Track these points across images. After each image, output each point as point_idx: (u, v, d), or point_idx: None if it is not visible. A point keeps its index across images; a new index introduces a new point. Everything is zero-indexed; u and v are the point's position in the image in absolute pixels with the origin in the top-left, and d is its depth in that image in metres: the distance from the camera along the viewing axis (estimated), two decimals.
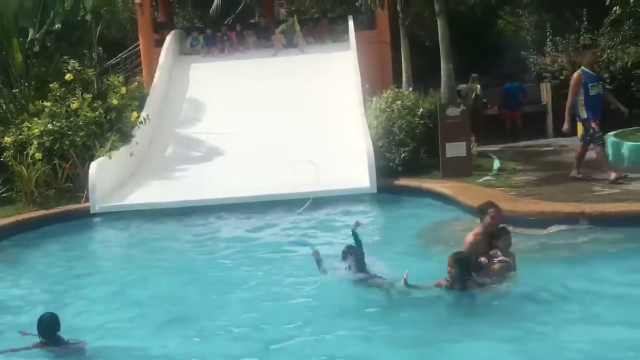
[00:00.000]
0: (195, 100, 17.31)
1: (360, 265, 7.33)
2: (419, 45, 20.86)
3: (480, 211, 7.44)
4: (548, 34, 19.30)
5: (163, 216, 11.96)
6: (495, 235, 7.21)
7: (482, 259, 7.08)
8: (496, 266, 7.08)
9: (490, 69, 22.69)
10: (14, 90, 15.68)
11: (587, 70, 11.34)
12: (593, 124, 11.16)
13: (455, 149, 12.84)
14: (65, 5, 17.26)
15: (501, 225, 7.34)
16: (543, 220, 9.06)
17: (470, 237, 7.29)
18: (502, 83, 20.16)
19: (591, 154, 11.54)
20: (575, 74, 11.39)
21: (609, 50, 18.23)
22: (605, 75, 18.00)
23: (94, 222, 12.20)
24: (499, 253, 7.13)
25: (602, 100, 11.42)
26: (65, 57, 15.54)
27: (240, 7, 32.37)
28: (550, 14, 23.32)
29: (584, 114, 11.25)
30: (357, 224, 7.81)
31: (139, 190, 13.32)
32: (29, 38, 15.99)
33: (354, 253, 7.40)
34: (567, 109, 11.42)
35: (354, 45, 17.52)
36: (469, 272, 6.77)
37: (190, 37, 19.93)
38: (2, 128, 14.59)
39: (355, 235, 7.63)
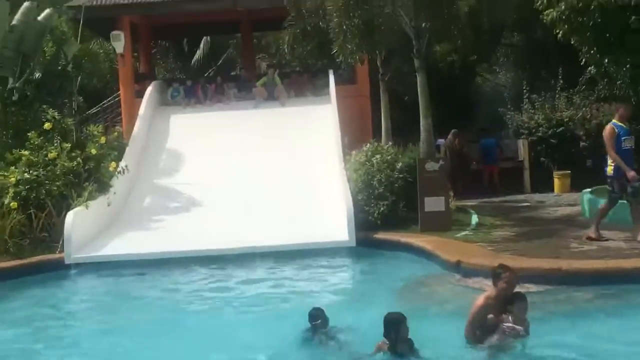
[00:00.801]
0: (174, 151, 17.31)
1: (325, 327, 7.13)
2: (399, 100, 21.14)
3: (494, 274, 7.03)
4: (525, 91, 19.63)
5: (139, 267, 11.79)
6: (509, 300, 6.83)
7: (490, 317, 6.75)
8: (505, 332, 6.75)
9: (468, 124, 23.00)
10: None
11: (619, 123, 10.79)
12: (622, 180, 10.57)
13: (434, 204, 12.87)
14: (47, 54, 17.36)
15: (517, 291, 6.96)
16: (522, 277, 9.02)
17: (480, 300, 6.92)
18: (479, 138, 20.41)
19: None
20: (608, 127, 10.82)
21: (584, 109, 18.59)
22: (581, 133, 18.38)
23: (68, 273, 11.98)
24: (510, 319, 6.78)
25: (633, 155, 10.86)
26: (44, 106, 15.49)
27: (222, 59, 32.74)
28: (526, 71, 23.81)
29: (611, 171, 10.68)
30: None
31: (115, 241, 13.14)
32: (8, 87, 15.96)
33: (322, 317, 7.25)
34: (615, 161, 10.55)
35: (334, 99, 17.70)
36: (402, 335, 6.43)
37: (171, 87, 20.02)
38: None
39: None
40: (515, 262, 9.38)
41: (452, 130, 19.00)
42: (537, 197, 17.41)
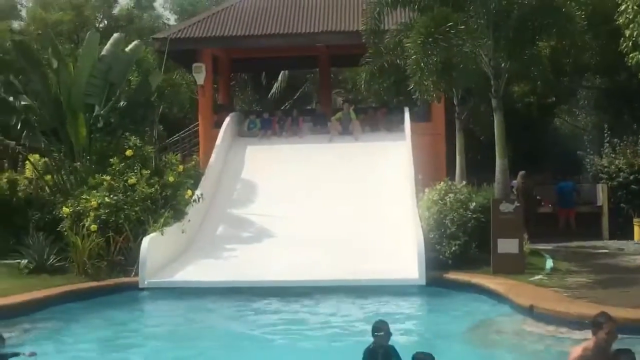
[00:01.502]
0: (249, 181, 17.57)
1: None
2: (474, 139, 20.93)
3: (594, 324, 6.44)
4: (606, 134, 19.17)
5: (210, 295, 11.98)
6: (614, 357, 6.24)
7: None
8: None
9: (545, 166, 22.59)
10: (75, 164, 16.17)
11: None
12: None
13: (507, 245, 12.65)
14: (132, 84, 17.96)
15: (625, 348, 6.32)
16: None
17: (578, 351, 6.37)
18: (556, 181, 20.01)
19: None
20: None
21: None
22: None
23: (142, 296, 12.30)
24: None
25: None
26: (127, 134, 16.02)
27: (299, 93, 33.18)
28: (608, 115, 23.27)
29: None
30: None
31: (187, 268, 13.41)
32: (94, 114, 16.57)
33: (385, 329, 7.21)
34: None
35: (409, 135, 17.69)
36: None
37: (248, 119, 20.39)
38: (61, 199, 15.01)
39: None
40: (592, 310, 9.11)
41: (520, 172, 18.70)
42: (616, 244, 16.90)
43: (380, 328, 7.21)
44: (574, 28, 13.92)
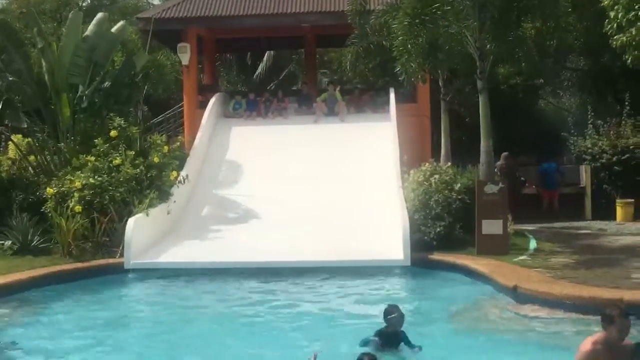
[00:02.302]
0: (234, 162, 17.51)
1: None
2: (459, 121, 20.98)
3: (604, 317, 5.87)
4: (589, 116, 19.25)
5: (195, 275, 11.96)
6: (634, 351, 5.74)
7: None
8: None
9: (529, 147, 22.67)
10: (59, 144, 16.04)
11: None
12: None
13: (491, 227, 12.69)
14: (116, 65, 17.79)
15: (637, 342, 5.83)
16: (581, 306, 8.83)
17: (587, 345, 5.84)
18: (540, 163, 20.08)
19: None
20: None
21: None
22: None
23: (127, 278, 12.25)
24: None
25: None
26: (111, 114, 15.87)
27: (284, 74, 33.04)
28: (591, 96, 23.37)
29: None
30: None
31: (173, 249, 13.38)
32: (78, 94, 16.42)
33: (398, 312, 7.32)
34: None
35: (394, 117, 17.66)
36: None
37: (233, 100, 20.26)
38: (45, 180, 14.89)
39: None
40: (575, 291, 9.22)
41: (503, 154, 18.74)
42: (598, 224, 17.02)
43: (392, 311, 7.31)
44: (558, 9, 13.95)
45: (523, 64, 15.69)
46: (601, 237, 15.06)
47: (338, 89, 19.99)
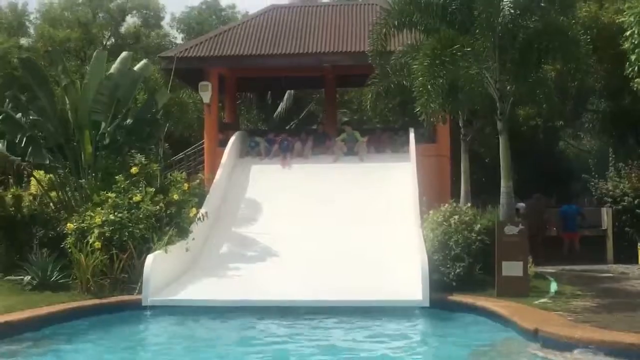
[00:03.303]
0: (253, 200, 17.59)
1: None
2: (479, 161, 20.99)
3: None
4: (610, 158, 19.19)
5: (214, 313, 11.94)
6: None
7: None
8: None
9: (549, 189, 22.60)
10: (80, 180, 16.22)
11: None
12: None
13: (511, 268, 12.61)
14: (138, 102, 18.05)
15: None
16: (603, 351, 8.71)
17: None
18: (560, 205, 20.00)
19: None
20: None
21: None
22: None
23: (145, 315, 12.25)
24: None
25: None
26: (132, 151, 16.05)
27: (304, 113, 33.29)
28: (613, 139, 23.32)
29: None
30: None
31: (191, 286, 13.39)
32: (100, 131, 16.65)
33: None
34: None
35: (414, 157, 17.72)
36: None
37: (249, 140, 20.36)
38: (66, 215, 15.03)
39: None
40: (597, 335, 9.10)
41: (535, 194, 18.70)
42: (620, 268, 16.87)
43: None
44: (579, 52, 14.00)
45: (543, 105, 15.73)
46: (623, 280, 14.89)
47: (352, 129, 20.02)
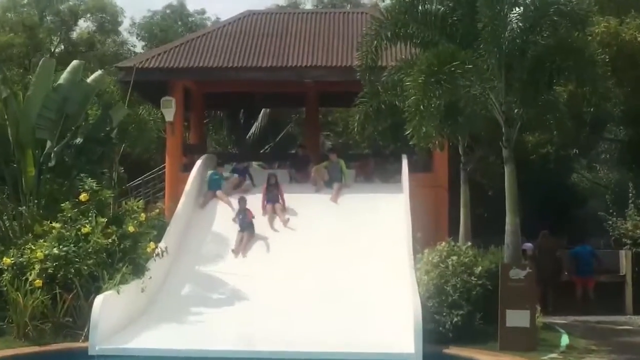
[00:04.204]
0: (220, 235, 17.55)
1: None
2: (481, 193, 21.09)
3: None
4: (630, 194, 19.39)
5: None
6: None
7: None
8: None
9: (560, 227, 22.75)
10: (20, 208, 16.10)
11: None
12: None
13: (517, 318, 12.67)
14: (90, 119, 18.01)
15: None
16: None
17: None
18: (573, 245, 20.13)
19: None
20: None
21: None
22: None
23: None
24: None
25: None
26: (82, 175, 15.99)
27: (281, 135, 33.39)
28: (633, 171, 23.55)
29: None
30: None
31: (146, 333, 13.28)
32: (45, 151, 16.58)
33: None
34: None
35: (406, 188, 17.81)
36: None
37: (210, 173, 19.41)
38: (2, 248, 14.88)
39: None
40: None
41: (542, 232, 18.83)
42: None
43: None
44: (595, 72, 14.21)
45: (555, 131, 15.91)
46: None
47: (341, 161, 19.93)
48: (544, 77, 14.33)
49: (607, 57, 14.72)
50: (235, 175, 19.67)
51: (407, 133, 14.38)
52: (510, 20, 13.98)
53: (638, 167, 23.56)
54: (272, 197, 18.18)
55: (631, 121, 22.40)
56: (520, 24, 14.06)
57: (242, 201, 17.52)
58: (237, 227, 17.40)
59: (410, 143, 14.87)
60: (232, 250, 16.81)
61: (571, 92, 17.62)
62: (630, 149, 24.41)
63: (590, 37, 15.21)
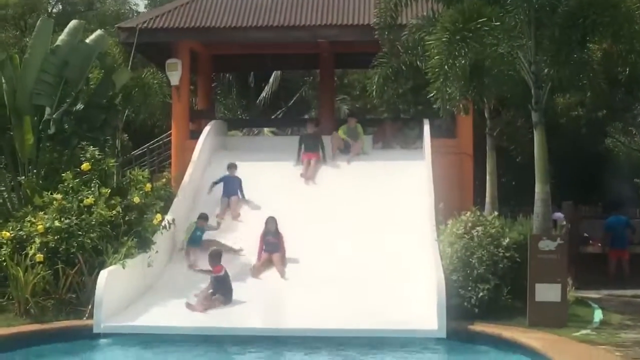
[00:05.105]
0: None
1: None
2: (508, 160, 21.00)
3: None
4: None
5: (180, 342, 11.96)
6: None
7: None
8: None
9: (593, 196, 22.67)
10: (18, 178, 16.19)
11: None
12: None
13: (547, 292, 12.67)
14: (91, 83, 18.02)
15: None
16: None
17: None
18: (606, 215, 20.07)
19: None
20: None
21: None
22: None
23: (96, 344, 12.25)
24: None
25: None
26: (83, 143, 16.04)
27: (294, 100, 33.34)
28: None
29: None
30: None
31: (154, 309, 13.38)
32: (44, 118, 16.63)
33: None
34: None
35: (428, 154, 17.74)
36: None
37: (194, 225, 16.10)
38: (0, 221, 15.00)
39: None
40: None
41: (564, 202, 18.81)
42: None
43: None
44: (633, 29, 14.04)
45: (588, 93, 15.78)
46: None
47: (357, 123, 19.87)
48: (576, 34, 14.16)
49: None
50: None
51: (430, 96, 14.30)
52: None
53: None
54: (271, 247, 15.55)
55: None
56: None
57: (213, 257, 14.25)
58: (249, 195, 17.44)
59: (433, 106, 14.80)
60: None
61: (605, 51, 17.44)
62: None
63: None
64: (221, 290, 13.75)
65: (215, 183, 17.56)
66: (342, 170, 18.45)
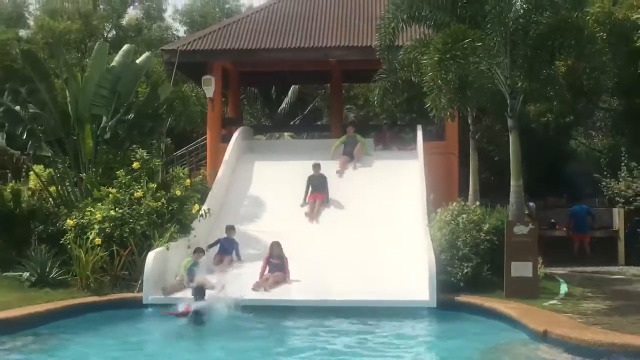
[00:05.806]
0: (257, 198, 17.57)
1: None
2: (488, 159, 20.96)
3: None
4: (623, 158, 19.17)
5: (214, 312, 11.94)
6: None
7: None
8: None
9: (559, 188, 22.59)
10: (80, 175, 16.26)
11: None
12: None
13: (521, 269, 12.64)
14: (140, 96, 18.08)
15: None
16: (611, 352, 8.72)
17: None
18: (570, 204, 20.00)
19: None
20: None
21: None
22: None
23: (145, 313, 12.31)
24: None
25: None
26: (134, 146, 16.08)
27: (309, 109, 33.33)
28: (625, 137, 23.28)
29: None
30: None
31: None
32: (101, 125, 16.69)
33: None
34: None
35: (421, 154, 17.70)
36: None
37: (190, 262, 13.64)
38: (65, 211, 15.07)
39: None
40: (607, 337, 9.11)
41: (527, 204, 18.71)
42: (632, 270, 16.86)
43: None
44: (594, 49, 13.96)
45: (555, 102, 15.71)
46: (635, 282, 14.90)
47: (355, 131, 19.61)
48: (545, 53, 14.12)
49: (604, 35, 14.45)
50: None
51: (427, 106, 14.27)
52: (515, 2, 13.75)
53: (630, 133, 23.26)
54: (275, 268, 13.76)
55: (623, 92, 22.05)
56: (524, 5, 13.84)
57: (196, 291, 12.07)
58: (270, 190, 17.38)
59: (429, 114, 14.76)
60: None
61: (569, 66, 17.35)
62: (623, 117, 24.10)
63: (587, 17, 14.90)
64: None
65: (211, 246, 14.96)
66: (349, 169, 18.41)
